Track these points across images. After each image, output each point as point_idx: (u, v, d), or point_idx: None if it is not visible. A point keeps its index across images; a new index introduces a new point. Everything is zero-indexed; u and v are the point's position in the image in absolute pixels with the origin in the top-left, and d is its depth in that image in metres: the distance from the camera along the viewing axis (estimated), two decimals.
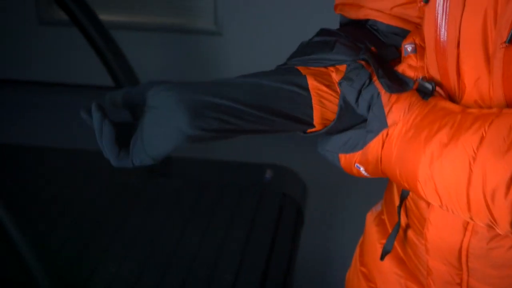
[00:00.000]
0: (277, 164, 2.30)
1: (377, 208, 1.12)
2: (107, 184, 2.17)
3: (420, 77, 0.86)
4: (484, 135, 0.75)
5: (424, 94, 0.84)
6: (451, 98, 0.84)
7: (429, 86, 0.84)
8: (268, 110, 0.82)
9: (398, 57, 0.89)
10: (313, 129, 0.86)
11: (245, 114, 0.80)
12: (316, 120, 0.85)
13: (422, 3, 0.83)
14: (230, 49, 2.87)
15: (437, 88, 0.85)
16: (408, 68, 0.87)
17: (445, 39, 0.82)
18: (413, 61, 0.87)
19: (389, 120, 0.83)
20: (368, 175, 0.89)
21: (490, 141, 0.75)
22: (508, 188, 0.72)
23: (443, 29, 0.82)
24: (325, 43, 0.89)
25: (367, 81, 0.84)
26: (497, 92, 0.80)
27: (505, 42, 0.75)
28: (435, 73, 0.85)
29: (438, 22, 0.82)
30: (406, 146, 0.81)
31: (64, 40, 2.91)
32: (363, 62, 0.85)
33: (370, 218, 1.11)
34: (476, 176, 0.75)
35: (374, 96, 0.84)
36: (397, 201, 1.01)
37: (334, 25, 0.97)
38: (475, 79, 0.81)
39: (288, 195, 2.16)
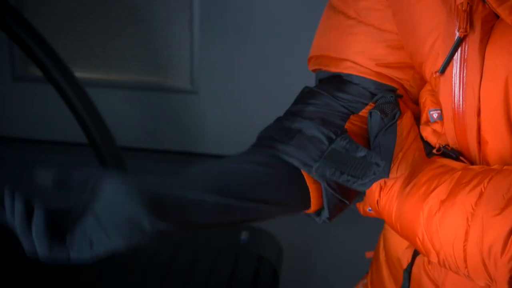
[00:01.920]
0: (253, 226, 2.26)
1: (363, 284, 1.09)
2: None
3: (444, 145, 0.84)
4: (483, 191, 0.74)
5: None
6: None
7: (452, 154, 0.83)
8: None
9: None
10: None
11: (215, 207, 0.72)
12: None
13: (437, 74, 0.81)
14: (206, 108, 2.86)
15: (461, 158, 0.83)
16: (432, 133, 0.85)
17: (464, 109, 0.79)
18: (438, 127, 0.85)
19: (392, 172, 0.82)
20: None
21: (488, 197, 0.73)
22: (504, 246, 0.71)
23: (461, 99, 0.80)
24: (287, 130, 0.85)
25: (395, 119, 0.83)
26: None
27: None
28: (453, 142, 0.83)
29: (455, 92, 0.80)
30: (405, 201, 0.80)
31: (38, 96, 2.87)
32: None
33: None
34: (473, 232, 0.73)
35: (391, 141, 0.82)
36: (388, 286, 0.98)
37: (310, 81, 0.94)
38: (499, 148, 0.79)
39: (264, 257, 2.12)
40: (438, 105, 0.85)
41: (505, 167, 0.76)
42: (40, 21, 2.38)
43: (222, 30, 2.71)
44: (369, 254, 1.09)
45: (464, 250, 0.74)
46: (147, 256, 2.07)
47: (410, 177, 0.81)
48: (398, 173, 0.82)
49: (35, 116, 2.95)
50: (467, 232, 0.74)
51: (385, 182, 0.82)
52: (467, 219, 0.74)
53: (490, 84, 0.78)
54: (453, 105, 0.80)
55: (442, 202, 0.76)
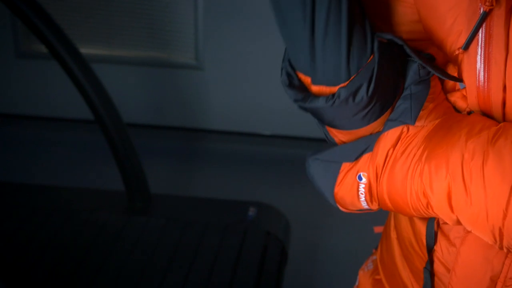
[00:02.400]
0: (260, 202, 2.26)
1: (369, 266, 1.07)
2: (86, 223, 2.11)
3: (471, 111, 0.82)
4: None
5: None
6: None
7: None
8: None
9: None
10: None
11: None
12: None
13: (460, 50, 0.79)
14: (211, 84, 2.84)
15: None
16: (461, 98, 0.83)
17: (489, 86, 0.78)
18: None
19: (419, 120, 0.80)
20: (363, 199, 0.83)
21: None
22: None
23: (486, 76, 0.78)
24: None
25: (430, 74, 0.82)
26: None
27: None
28: None
29: (480, 69, 0.78)
30: (438, 144, 0.77)
31: (43, 73, 2.86)
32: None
33: (364, 278, 1.06)
34: None
35: (423, 91, 0.81)
36: (400, 264, 0.96)
37: None
38: None
39: (271, 233, 2.13)
40: None
41: None
42: None
43: (226, 5, 2.69)
44: (378, 229, 1.06)
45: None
46: (156, 232, 2.07)
47: (443, 123, 0.79)
48: (426, 121, 0.80)
49: (40, 93, 2.94)
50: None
51: (408, 129, 0.80)
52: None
53: None
54: (477, 82, 0.78)
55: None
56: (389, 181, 0.79)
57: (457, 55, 0.79)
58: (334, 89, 0.79)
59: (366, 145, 0.82)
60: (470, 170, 0.73)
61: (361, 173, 0.82)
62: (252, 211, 2.18)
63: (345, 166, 0.83)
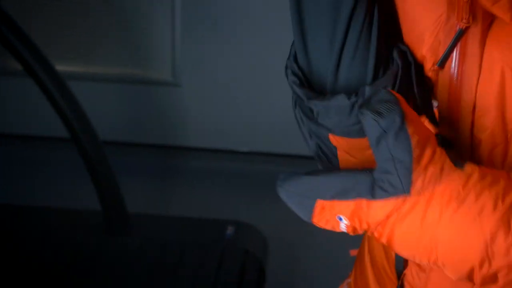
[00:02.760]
0: (238, 221, 2.25)
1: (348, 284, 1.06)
2: (62, 244, 2.08)
3: (440, 134, 0.81)
4: None
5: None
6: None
7: (445, 143, 0.79)
8: None
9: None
10: None
11: None
12: None
13: (435, 66, 0.78)
14: (188, 101, 2.83)
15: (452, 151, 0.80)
16: (429, 123, 0.82)
17: (459, 104, 0.77)
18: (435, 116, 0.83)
19: (414, 186, 0.69)
20: (345, 231, 0.76)
21: None
22: None
23: (457, 93, 0.78)
24: None
25: (400, 125, 0.69)
26: None
27: None
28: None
29: (453, 86, 0.78)
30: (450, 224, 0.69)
31: (17, 90, 2.82)
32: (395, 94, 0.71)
33: None
34: None
35: (402, 150, 0.69)
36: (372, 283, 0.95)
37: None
38: (491, 148, 0.77)
39: (250, 252, 2.12)
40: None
41: None
42: (17, 14, 2.34)
43: (204, 21, 2.68)
44: (353, 252, 1.05)
45: None
46: (133, 253, 2.05)
47: (449, 195, 0.69)
48: (423, 188, 0.70)
49: (14, 110, 2.90)
50: None
51: (404, 201, 0.70)
52: None
53: (487, 79, 0.75)
54: (449, 100, 0.78)
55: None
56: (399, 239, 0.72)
57: (433, 71, 0.79)
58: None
59: (342, 188, 0.72)
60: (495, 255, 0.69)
61: (342, 217, 0.73)
62: (230, 230, 2.17)
63: (321, 202, 0.74)
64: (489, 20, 0.76)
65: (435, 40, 0.78)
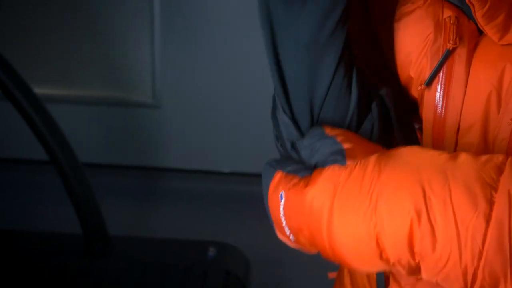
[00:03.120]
0: (220, 242, 2.24)
1: None
2: (44, 267, 2.06)
3: None
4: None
5: None
6: None
7: None
8: None
9: None
10: None
11: None
12: None
13: (422, 86, 0.79)
14: (168, 122, 2.82)
15: None
16: None
17: (444, 125, 0.78)
18: (419, 135, 0.84)
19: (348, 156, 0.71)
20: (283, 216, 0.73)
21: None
22: None
23: (442, 114, 0.78)
24: None
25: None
26: None
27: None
28: None
29: (438, 106, 0.78)
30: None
31: None
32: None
33: None
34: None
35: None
36: None
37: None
38: None
39: (232, 273, 2.10)
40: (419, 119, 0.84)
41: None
42: None
43: (184, 43, 2.68)
44: (332, 275, 1.04)
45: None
46: (115, 276, 2.03)
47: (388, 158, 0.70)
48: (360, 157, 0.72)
49: None
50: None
51: (340, 168, 0.73)
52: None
53: (472, 100, 0.77)
54: (434, 119, 0.79)
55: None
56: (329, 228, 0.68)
57: (420, 91, 0.80)
58: None
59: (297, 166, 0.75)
60: (433, 204, 0.63)
61: (282, 192, 0.73)
62: (212, 251, 2.15)
63: (279, 173, 0.75)
64: (475, 41, 0.78)
65: (422, 61, 0.79)
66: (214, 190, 2.82)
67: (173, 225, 2.55)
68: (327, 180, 0.68)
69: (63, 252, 2.14)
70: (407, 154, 0.67)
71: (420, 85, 0.79)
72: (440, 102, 0.78)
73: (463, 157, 0.65)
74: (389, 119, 0.82)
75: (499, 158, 0.64)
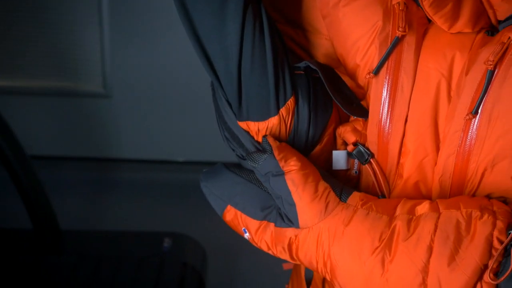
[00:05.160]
0: (175, 232, 2.21)
1: None
2: None
3: (361, 142, 0.80)
4: (432, 245, 0.70)
5: (360, 159, 0.79)
6: (386, 176, 0.78)
7: (365, 154, 0.79)
8: None
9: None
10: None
11: None
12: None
13: (370, 74, 0.77)
14: (120, 112, 2.78)
15: (372, 160, 0.79)
16: (352, 131, 0.81)
17: (392, 114, 0.76)
18: (359, 126, 0.81)
19: (301, 221, 0.75)
20: (250, 240, 0.82)
21: (439, 252, 0.69)
22: None
23: (389, 103, 0.76)
24: None
25: (274, 171, 0.77)
26: (445, 171, 0.74)
27: (471, 113, 0.71)
28: (373, 149, 0.79)
29: (385, 95, 0.76)
30: (338, 256, 0.74)
31: None
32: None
33: None
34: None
35: (283, 191, 0.76)
36: None
37: None
38: (421, 158, 0.76)
39: (188, 264, 2.08)
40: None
41: (441, 209, 0.72)
42: None
43: (133, 31, 2.63)
44: (287, 266, 1.05)
45: None
46: (68, 270, 1.99)
47: (334, 230, 0.75)
48: (309, 223, 0.75)
49: None
50: None
51: (296, 236, 0.77)
52: (423, 278, 0.69)
53: (421, 89, 0.75)
54: (381, 109, 0.77)
55: (390, 261, 0.71)
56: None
57: (368, 80, 0.78)
58: (262, 124, 0.78)
59: (253, 206, 0.80)
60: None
61: (246, 230, 0.81)
62: (167, 242, 2.13)
63: (232, 208, 0.82)
64: (424, 28, 0.76)
65: (370, 48, 0.77)
66: (169, 180, 2.79)
67: (127, 217, 2.52)
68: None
69: (14, 248, 2.10)
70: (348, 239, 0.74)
71: (368, 73, 0.77)
72: (387, 93, 0.76)
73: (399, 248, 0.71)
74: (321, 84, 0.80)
75: (427, 236, 0.70)
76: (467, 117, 0.72)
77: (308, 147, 0.81)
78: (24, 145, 2.03)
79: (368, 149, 0.80)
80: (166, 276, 1.99)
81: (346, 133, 0.82)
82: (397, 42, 0.75)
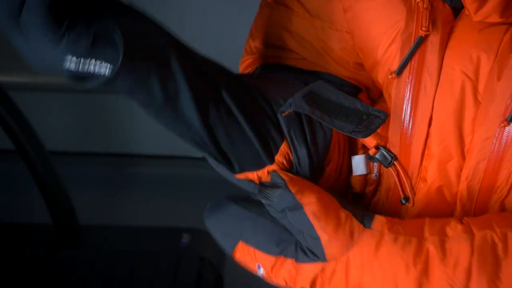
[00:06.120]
0: (193, 228, 2.21)
1: None
2: (12, 260, 2.02)
3: (382, 145, 0.78)
4: (471, 268, 0.67)
5: (383, 162, 0.76)
6: (409, 179, 0.77)
7: (389, 157, 0.77)
8: None
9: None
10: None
11: None
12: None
13: (393, 75, 0.75)
14: (137, 107, 2.77)
15: (396, 163, 0.77)
16: (372, 134, 0.79)
17: (414, 116, 0.74)
18: (379, 128, 0.79)
19: (328, 254, 0.71)
20: (265, 277, 0.78)
21: (478, 275, 0.67)
22: None
23: (412, 105, 0.74)
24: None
25: (292, 205, 0.72)
26: (474, 176, 0.72)
27: (506, 120, 0.69)
28: (395, 151, 0.78)
29: (408, 97, 0.74)
30: (371, 285, 0.70)
31: None
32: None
33: None
34: None
35: (305, 225, 0.71)
36: None
37: None
38: (445, 162, 0.74)
39: (206, 259, 2.08)
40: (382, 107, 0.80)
41: (474, 230, 0.69)
42: None
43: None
44: None
45: None
46: (86, 265, 2.00)
47: (361, 259, 0.71)
48: (336, 254, 0.71)
49: None
50: None
51: (322, 268, 0.72)
52: None
53: (445, 91, 0.73)
54: (403, 110, 0.75)
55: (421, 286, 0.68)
56: None
57: (390, 80, 0.76)
58: (260, 172, 0.76)
59: (267, 240, 0.76)
60: None
61: (261, 266, 0.77)
62: (185, 238, 2.13)
63: (243, 244, 0.78)
64: (450, 26, 0.73)
65: (391, 46, 0.75)
66: (187, 176, 2.78)
67: (146, 213, 2.52)
68: None
69: (33, 243, 2.11)
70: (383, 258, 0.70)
71: (390, 73, 0.75)
72: (410, 94, 0.74)
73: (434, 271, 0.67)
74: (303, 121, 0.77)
75: (465, 260, 0.66)
76: (502, 124, 0.70)
77: (316, 175, 0.79)
78: (43, 141, 2.05)
79: (390, 151, 0.79)
80: (184, 272, 2.00)
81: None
82: (421, 41, 0.73)
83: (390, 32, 0.75)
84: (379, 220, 0.72)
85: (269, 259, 0.75)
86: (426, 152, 0.76)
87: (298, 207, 0.71)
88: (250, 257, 0.78)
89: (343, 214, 0.72)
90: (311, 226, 0.70)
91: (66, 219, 2.12)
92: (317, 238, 0.70)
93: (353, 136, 0.72)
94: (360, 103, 0.75)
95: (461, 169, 0.75)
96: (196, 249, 2.11)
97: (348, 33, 0.81)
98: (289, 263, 0.73)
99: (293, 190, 0.72)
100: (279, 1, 0.84)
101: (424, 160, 0.76)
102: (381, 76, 0.78)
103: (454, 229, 0.69)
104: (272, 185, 0.74)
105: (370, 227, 0.71)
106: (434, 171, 0.76)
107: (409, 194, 0.79)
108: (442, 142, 0.74)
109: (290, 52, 0.84)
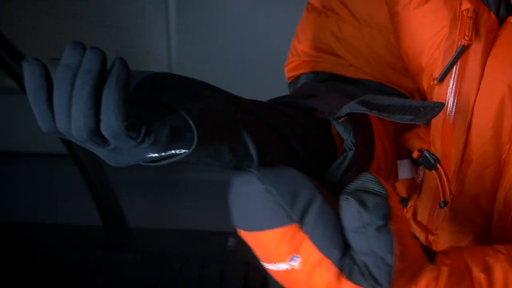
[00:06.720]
0: None
1: None
2: (62, 261, 2.06)
3: (425, 149, 0.79)
4: None
5: (427, 165, 0.77)
6: (449, 183, 0.77)
7: (431, 159, 0.78)
8: None
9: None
10: None
11: None
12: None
13: (434, 81, 0.75)
14: None
15: (439, 165, 0.78)
16: (415, 137, 0.80)
17: (454, 122, 0.75)
18: (422, 132, 0.80)
19: (394, 285, 0.62)
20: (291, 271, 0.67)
21: None
22: None
23: (453, 111, 0.75)
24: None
25: (383, 223, 0.60)
26: (511, 188, 0.73)
27: None
28: (437, 155, 0.79)
29: (449, 103, 0.75)
30: None
31: (16, 108, 2.81)
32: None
33: None
34: None
35: (384, 249, 0.61)
36: None
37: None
38: (483, 169, 0.74)
39: (251, 263, 2.09)
40: None
41: None
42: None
43: (200, 35, 2.66)
44: None
45: None
46: (135, 268, 2.03)
47: None
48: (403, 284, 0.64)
49: (12, 128, 2.89)
50: None
51: None
52: None
53: (486, 98, 0.73)
54: (443, 115, 0.75)
55: None
56: None
57: (432, 86, 0.77)
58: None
59: (340, 247, 0.62)
60: None
61: (299, 258, 0.65)
62: (231, 241, 2.14)
63: (296, 229, 0.65)
64: (493, 35, 0.74)
65: (435, 53, 0.76)
66: None
67: (192, 217, 2.54)
68: None
69: (83, 244, 2.14)
70: None
71: (433, 79, 0.76)
72: (452, 100, 0.75)
73: None
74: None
75: None
76: None
77: None
78: None
79: (433, 154, 0.79)
80: (230, 275, 2.00)
81: (411, 140, 0.81)
82: (463, 50, 0.73)
83: (435, 39, 0.76)
84: (441, 257, 0.67)
85: (318, 257, 0.62)
86: (464, 157, 0.76)
87: (387, 227, 0.60)
88: (292, 244, 0.64)
89: (419, 248, 0.65)
90: (391, 252, 0.60)
91: (116, 222, 2.15)
92: (390, 266, 0.60)
93: (414, 123, 0.64)
94: (414, 100, 0.74)
95: (497, 178, 0.75)
96: (242, 253, 2.12)
97: (395, 38, 0.82)
98: (333, 272, 0.62)
99: (391, 205, 0.61)
100: (327, 7, 0.85)
101: (463, 165, 0.77)
102: (425, 82, 0.79)
103: (494, 257, 0.66)
104: (364, 189, 0.62)
105: (433, 263, 0.65)
106: (471, 177, 0.76)
107: (448, 198, 0.79)
108: (480, 148, 0.74)
109: (337, 58, 0.85)
